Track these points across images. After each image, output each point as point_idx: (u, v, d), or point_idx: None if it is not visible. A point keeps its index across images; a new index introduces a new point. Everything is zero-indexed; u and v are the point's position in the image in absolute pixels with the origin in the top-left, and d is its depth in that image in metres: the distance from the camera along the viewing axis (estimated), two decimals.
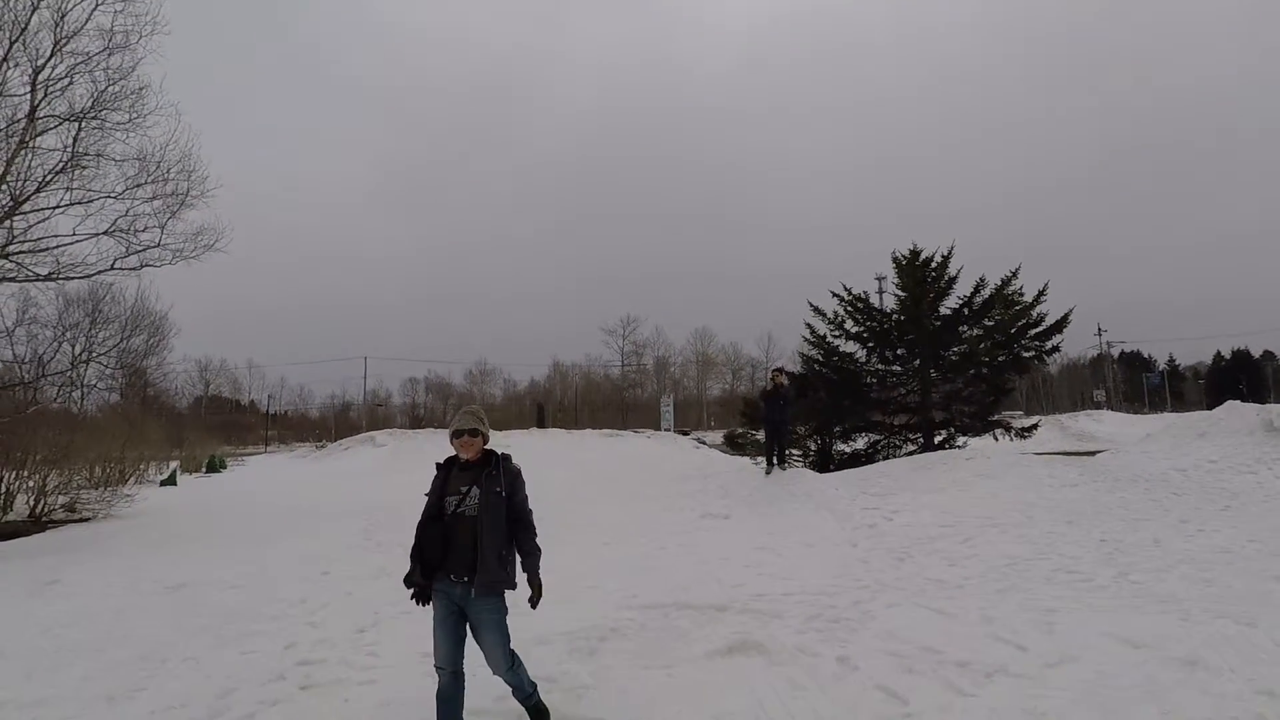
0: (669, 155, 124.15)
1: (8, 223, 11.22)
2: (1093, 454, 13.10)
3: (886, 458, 15.73)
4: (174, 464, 25.76)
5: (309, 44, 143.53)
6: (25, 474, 14.95)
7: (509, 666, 3.38)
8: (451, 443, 3.43)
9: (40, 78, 11.16)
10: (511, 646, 3.43)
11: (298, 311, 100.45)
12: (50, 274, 11.75)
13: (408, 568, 3.34)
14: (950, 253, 16.17)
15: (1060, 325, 15.62)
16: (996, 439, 16.13)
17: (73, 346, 16.47)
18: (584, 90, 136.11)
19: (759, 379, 67.22)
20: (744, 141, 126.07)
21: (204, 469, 28.70)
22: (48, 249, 11.61)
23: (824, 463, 16.24)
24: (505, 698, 3.92)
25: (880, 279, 36.76)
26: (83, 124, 11.14)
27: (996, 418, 16.55)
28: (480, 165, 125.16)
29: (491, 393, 73.07)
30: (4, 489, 14.82)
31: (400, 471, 20.36)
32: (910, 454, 15.46)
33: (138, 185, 11.92)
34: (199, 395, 66.50)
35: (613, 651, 4.64)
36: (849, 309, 16.67)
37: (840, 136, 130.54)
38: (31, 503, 14.88)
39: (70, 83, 11.29)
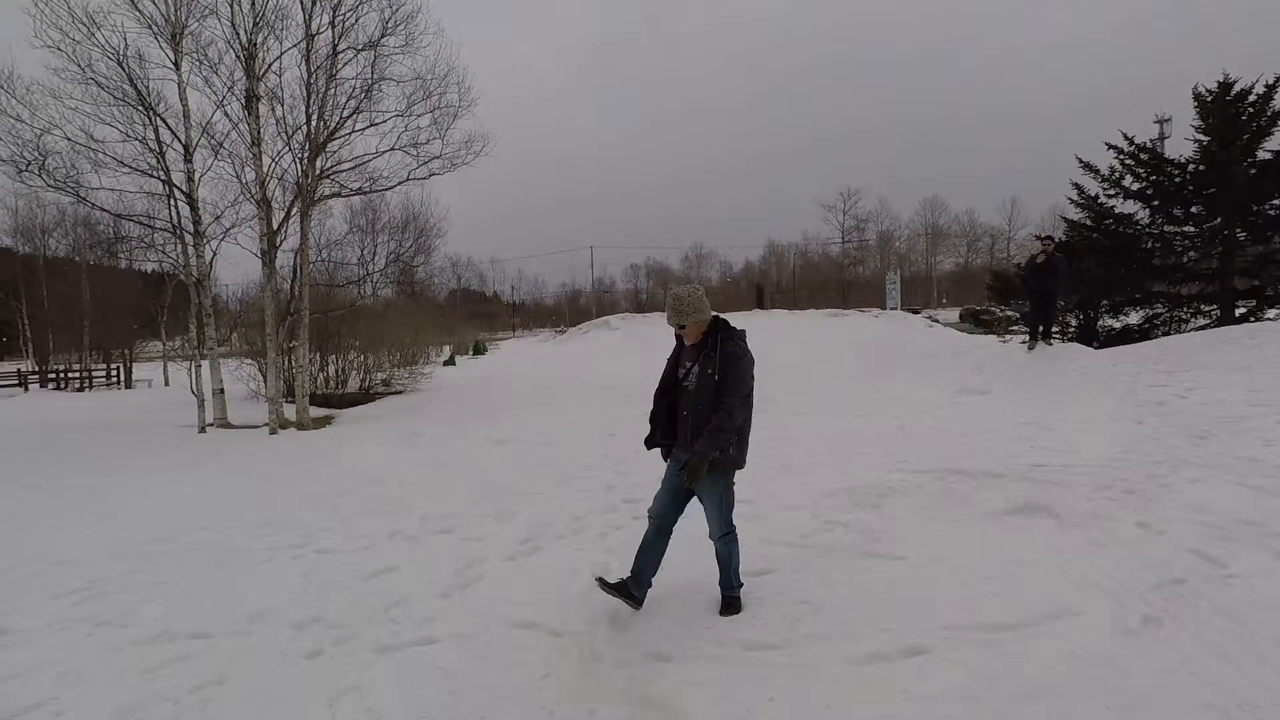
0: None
1: (328, 147, 13.43)
2: None
3: (1167, 333, 13.96)
4: (448, 348, 30.18)
5: None
6: (353, 356, 18.68)
7: (721, 534, 3.54)
8: None
9: (336, 17, 12.89)
10: (734, 523, 3.59)
11: (529, 207, 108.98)
12: (361, 189, 14.03)
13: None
14: (1277, 81, 13.19)
15: None
16: None
17: (367, 251, 19.62)
18: None
19: (999, 250, 60.80)
20: None
21: (471, 352, 33.18)
22: (357, 167, 13.77)
23: (1086, 340, 14.78)
24: (812, 535, 4.53)
25: (1162, 121, 30.64)
26: (375, 51, 12.78)
27: None
28: (682, 38, 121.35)
29: (708, 276, 74.04)
30: (341, 367, 18.71)
31: (635, 351, 21.96)
32: (1201, 329, 13.55)
33: (415, 103, 13.56)
34: (453, 288, 75.65)
35: (895, 506, 5.03)
36: (1129, 162, 14.47)
37: None
38: (360, 378, 18.65)
39: (358, 17, 12.91)
